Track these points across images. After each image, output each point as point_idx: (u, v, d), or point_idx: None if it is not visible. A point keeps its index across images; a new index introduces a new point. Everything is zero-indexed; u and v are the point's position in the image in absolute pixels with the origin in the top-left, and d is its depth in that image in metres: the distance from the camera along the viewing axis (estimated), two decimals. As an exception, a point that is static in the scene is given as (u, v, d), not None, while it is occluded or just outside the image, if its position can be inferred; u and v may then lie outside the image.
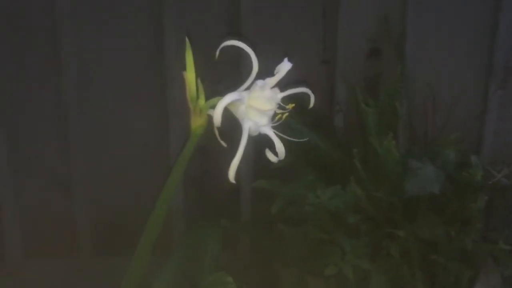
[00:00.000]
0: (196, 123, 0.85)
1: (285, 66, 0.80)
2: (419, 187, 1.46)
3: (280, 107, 0.79)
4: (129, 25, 1.91)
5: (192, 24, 1.94)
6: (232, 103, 0.75)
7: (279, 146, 0.80)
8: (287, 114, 0.78)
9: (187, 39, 0.87)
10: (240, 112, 0.76)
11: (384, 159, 1.54)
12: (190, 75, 0.84)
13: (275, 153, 0.81)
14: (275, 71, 0.80)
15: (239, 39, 0.80)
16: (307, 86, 0.86)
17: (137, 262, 0.99)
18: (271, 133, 0.80)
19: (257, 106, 0.77)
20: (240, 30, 1.94)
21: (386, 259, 1.52)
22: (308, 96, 0.84)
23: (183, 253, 1.50)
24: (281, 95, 0.80)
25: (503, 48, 2.02)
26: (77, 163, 2.00)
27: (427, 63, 2.01)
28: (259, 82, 0.77)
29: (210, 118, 0.87)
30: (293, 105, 0.79)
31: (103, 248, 2.12)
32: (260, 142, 2.20)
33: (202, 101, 0.84)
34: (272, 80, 0.79)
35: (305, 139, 0.97)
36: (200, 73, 0.86)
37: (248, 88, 0.80)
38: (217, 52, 0.81)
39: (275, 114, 0.80)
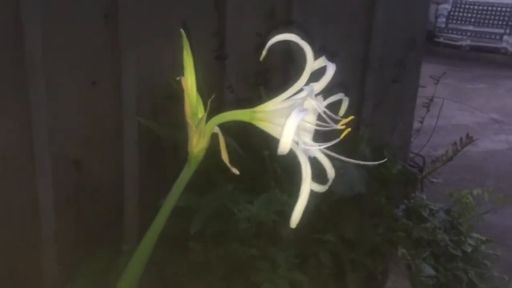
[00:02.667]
0: (199, 146, 0.64)
1: (330, 68, 0.63)
2: (345, 188, 1.41)
3: (331, 119, 0.60)
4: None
5: (62, 18, 1.61)
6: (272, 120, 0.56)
7: (331, 172, 0.63)
8: (349, 130, 0.61)
9: (183, 33, 0.65)
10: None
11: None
12: (190, 81, 0.63)
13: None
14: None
15: (293, 33, 0.61)
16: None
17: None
18: (321, 156, 0.63)
19: (306, 120, 0.58)
20: (117, 23, 1.67)
21: (316, 266, 1.44)
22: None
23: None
24: (324, 103, 0.63)
25: (378, 42, 2.11)
26: None
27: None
28: (307, 88, 0.58)
29: (212, 137, 0.67)
30: (353, 117, 0.62)
31: None
32: (153, 151, 1.95)
33: (202, 118, 0.63)
34: (319, 86, 0.61)
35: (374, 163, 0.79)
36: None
37: (295, 94, 0.61)
38: (266, 47, 0.61)
39: (330, 130, 0.61)
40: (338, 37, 2.08)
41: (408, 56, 2.06)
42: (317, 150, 0.62)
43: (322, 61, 0.63)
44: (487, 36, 8.17)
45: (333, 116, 0.60)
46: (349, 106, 2.24)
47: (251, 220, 1.31)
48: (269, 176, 1.49)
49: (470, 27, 8.21)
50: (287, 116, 0.56)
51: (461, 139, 1.46)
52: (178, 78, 0.64)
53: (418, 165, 2.98)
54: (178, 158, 1.89)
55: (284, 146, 0.51)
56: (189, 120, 0.63)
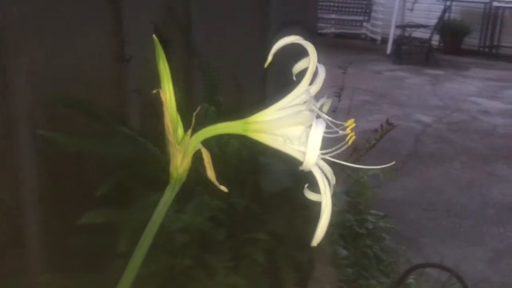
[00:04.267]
0: (183, 165, 0.57)
1: (322, 69, 0.59)
2: (274, 183, 1.40)
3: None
4: None
5: None
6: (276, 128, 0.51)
7: (332, 179, 0.59)
8: (354, 136, 0.57)
9: (156, 39, 0.57)
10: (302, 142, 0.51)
11: (228, 161, 1.42)
12: (168, 93, 0.55)
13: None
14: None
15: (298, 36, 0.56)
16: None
17: None
18: (322, 163, 0.58)
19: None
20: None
21: (250, 266, 1.42)
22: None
23: None
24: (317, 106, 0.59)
25: (275, 32, 2.12)
26: None
27: (214, 51, 1.95)
28: (307, 94, 0.54)
29: (195, 154, 0.60)
30: (353, 120, 0.58)
31: None
32: (53, 165, 1.76)
33: (186, 134, 0.56)
34: (314, 89, 0.56)
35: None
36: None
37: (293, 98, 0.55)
38: (271, 53, 0.55)
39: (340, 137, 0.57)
40: (237, 31, 2.06)
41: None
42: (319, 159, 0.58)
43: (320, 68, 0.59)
44: (349, 24, 8.74)
45: (333, 120, 0.57)
46: (253, 99, 2.21)
47: (188, 230, 1.25)
48: (193, 181, 1.42)
49: (334, 16, 8.70)
50: (289, 125, 0.52)
51: (381, 125, 1.52)
52: (154, 91, 0.56)
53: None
54: (82, 170, 1.74)
55: (310, 160, 0.47)
56: (171, 137, 0.56)
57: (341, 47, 8.35)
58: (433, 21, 7.88)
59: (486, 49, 8.23)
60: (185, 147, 0.56)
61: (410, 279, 2.12)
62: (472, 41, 8.29)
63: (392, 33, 8.15)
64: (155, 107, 1.84)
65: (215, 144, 1.46)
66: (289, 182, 1.42)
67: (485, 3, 8.14)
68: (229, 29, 2.01)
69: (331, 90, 2.62)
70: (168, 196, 0.60)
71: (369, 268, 2.24)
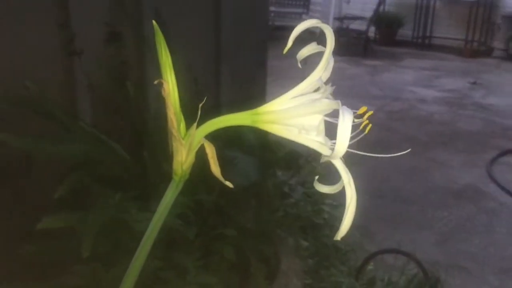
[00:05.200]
0: (188, 161, 0.53)
1: (332, 58, 0.56)
2: (242, 177, 1.37)
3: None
4: None
5: None
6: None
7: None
8: (370, 126, 0.54)
9: (156, 26, 0.52)
10: (321, 133, 0.48)
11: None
12: (171, 84, 0.51)
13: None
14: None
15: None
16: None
17: None
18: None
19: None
20: None
21: (220, 262, 1.38)
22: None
23: None
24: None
25: (228, 27, 2.08)
26: None
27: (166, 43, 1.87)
28: (320, 82, 0.51)
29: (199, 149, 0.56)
30: (366, 108, 0.55)
31: None
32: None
33: (192, 127, 0.52)
34: (325, 76, 0.53)
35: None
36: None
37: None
38: (291, 39, 0.51)
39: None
40: (190, 24, 2.00)
41: (257, 39, 2.08)
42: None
43: (315, 47, 0.57)
44: (288, 16, 8.80)
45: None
46: (207, 92, 2.15)
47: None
48: (154, 179, 1.36)
49: (273, 8, 8.73)
50: (306, 114, 0.49)
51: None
52: (156, 82, 0.52)
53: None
54: (32, 172, 1.63)
55: (340, 151, 0.44)
56: (175, 131, 0.51)
57: (282, 39, 8.36)
58: (369, 13, 8.09)
59: (419, 40, 8.54)
60: (190, 142, 0.52)
61: (370, 266, 2.15)
62: (406, 32, 8.58)
63: (331, 25, 8.28)
64: (108, 103, 1.75)
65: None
66: (256, 175, 1.39)
67: (417, -5, 8.45)
68: (182, 20, 1.95)
69: (279, 82, 2.62)
70: (171, 195, 0.56)
71: (329, 257, 2.25)
